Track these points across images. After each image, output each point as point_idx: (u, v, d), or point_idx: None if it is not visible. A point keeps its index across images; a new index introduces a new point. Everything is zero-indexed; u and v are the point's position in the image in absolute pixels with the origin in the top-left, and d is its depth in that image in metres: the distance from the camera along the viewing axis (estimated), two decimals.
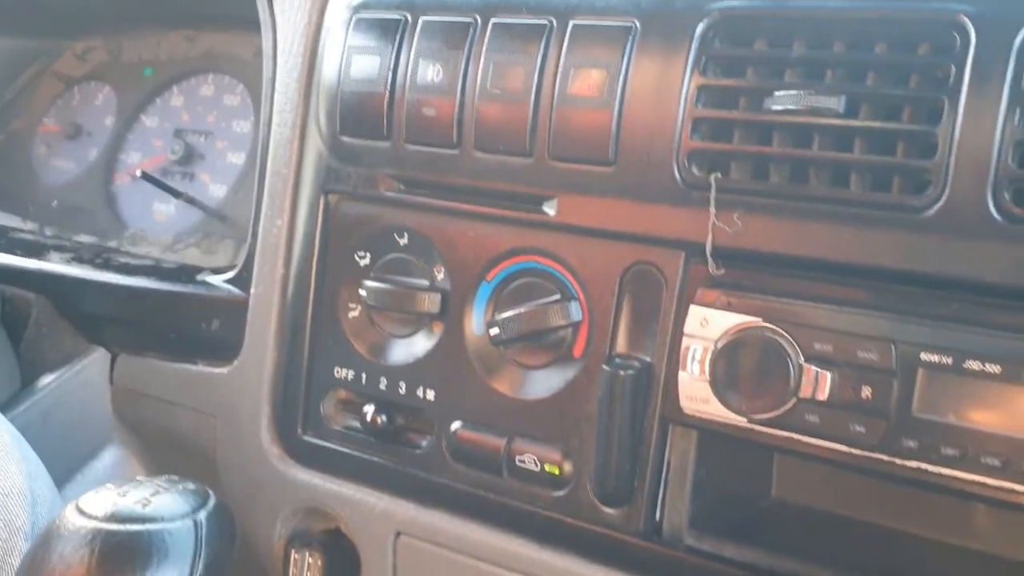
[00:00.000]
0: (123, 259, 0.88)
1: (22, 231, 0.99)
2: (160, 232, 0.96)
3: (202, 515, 0.47)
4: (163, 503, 0.46)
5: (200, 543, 0.46)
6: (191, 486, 0.49)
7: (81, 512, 0.45)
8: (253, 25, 0.82)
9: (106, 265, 0.86)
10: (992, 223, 0.49)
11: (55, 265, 0.87)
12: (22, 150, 1.17)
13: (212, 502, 0.48)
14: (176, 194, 0.97)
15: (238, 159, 1.03)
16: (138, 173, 0.99)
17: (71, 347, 0.86)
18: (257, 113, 1.04)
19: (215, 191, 1.03)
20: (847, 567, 0.58)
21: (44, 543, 0.45)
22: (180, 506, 0.46)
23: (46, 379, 0.84)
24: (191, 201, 0.98)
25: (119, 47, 1.16)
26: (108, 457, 0.86)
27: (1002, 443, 0.50)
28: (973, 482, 0.50)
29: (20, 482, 0.64)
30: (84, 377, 0.85)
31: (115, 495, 0.46)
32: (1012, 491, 0.49)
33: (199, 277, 0.81)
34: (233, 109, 1.07)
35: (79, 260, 0.88)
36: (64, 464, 0.84)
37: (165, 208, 1.04)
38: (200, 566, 0.45)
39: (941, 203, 0.51)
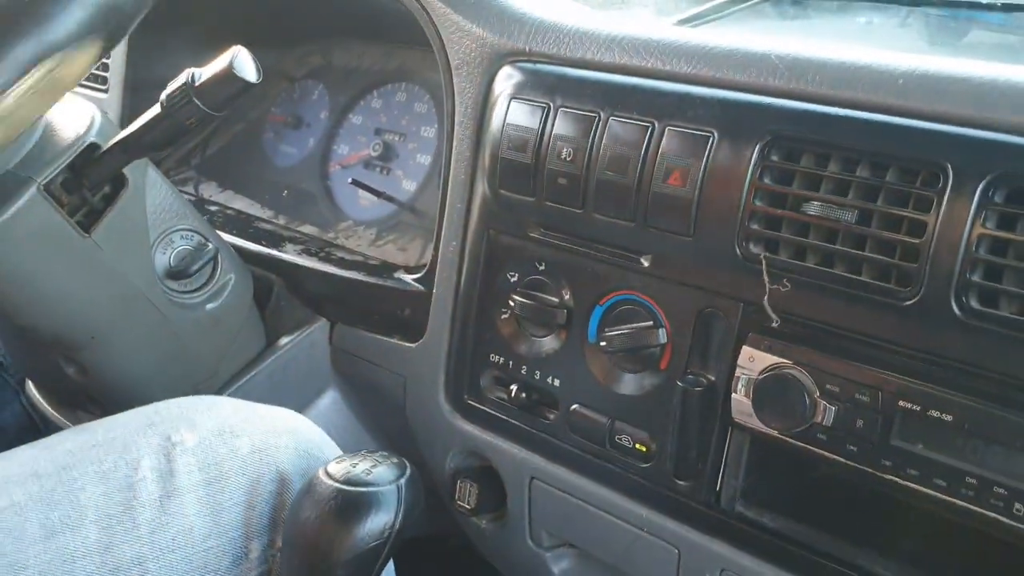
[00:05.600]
0: (340, 254, 1.15)
1: (263, 219, 1.29)
2: (366, 226, 1.23)
3: (402, 481, 0.73)
4: (379, 472, 0.72)
5: (401, 501, 0.72)
6: (395, 460, 0.75)
7: (329, 476, 0.73)
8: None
9: (327, 259, 1.14)
10: (952, 315, 0.68)
11: (290, 256, 1.16)
12: (256, 135, 1.46)
13: (408, 472, 0.75)
14: (379, 195, 1.24)
15: (425, 160, 1.27)
16: (349, 180, 1.27)
17: (301, 316, 1.15)
18: (440, 121, 1.27)
19: (407, 186, 1.28)
20: (865, 539, 0.79)
21: (305, 493, 0.73)
22: (389, 475, 0.73)
23: (284, 340, 1.14)
24: (390, 199, 1.24)
25: (331, 54, 1.42)
26: (328, 398, 1.16)
27: (950, 470, 0.70)
28: (929, 496, 0.71)
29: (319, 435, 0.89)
30: (311, 339, 1.14)
31: (349, 465, 0.73)
32: (954, 505, 0.70)
33: (396, 275, 1.08)
34: (421, 116, 1.30)
35: (307, 252, 1.16)
36: (297, 400, 1.14)
37: (368, 195, 1.30)
38: (400, 515, 0.72)
39: (919, 296, 0.70)
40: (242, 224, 1.25)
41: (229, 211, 1.31)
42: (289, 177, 1.39)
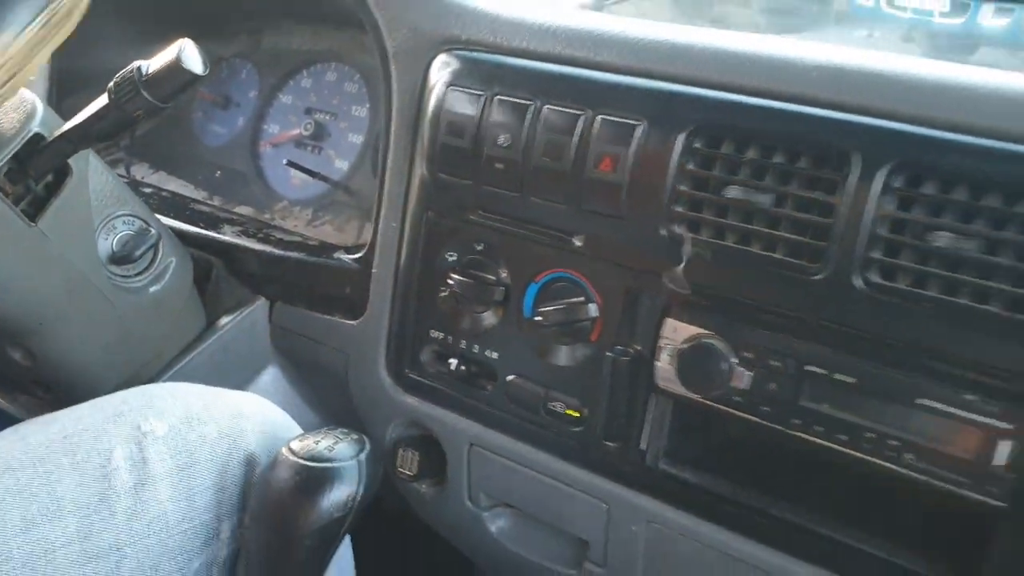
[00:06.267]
0: (278, 234, 1.18)
1: (199, 202, 1.30)
2: (301, 206, 1.26)
3: (363, 456, 0.78)
4: (341, 449, 0.77)
5: (361, 474, 0.77)
6: (355, 436, 0.79)
7: (293, 452, 0.77)
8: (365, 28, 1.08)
9: (266, 239, 1.17)
10: (857, 288, 0.76)
11: (229, 237, 1.18)
12: (185, 115, 1.47)
13: (368, 448, 0.79)
14: (313, 175, 1.27)
15: (357, 139, 1.30)
16: (284, 161, 1.29)
17: (240, 296, 1.17)
18: (372, 101, 1.30)
19: (339, 164, 1.31)
20: (776, 489, 0.87)
21: (271, 469, 0.77)
22: (350, 451, 0.77)
23: (224, 320, 1.16)
24: (324, 179, 1.27)
25: (260, 34, 1.43)
26: (268, 375, 1.20)
27: (852, 427, 0.78)
28: (833, 450, 0.79)
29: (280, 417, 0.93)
30: (251, 319, 1.17)
31: (312, 442, 0.78)
32: (854, 457, 0.78)
33: (335, 255, 1.12)
34: (352, 95, 1.33)
35: (246, 233, 1.19)
36: (238, 378, 1.18)
37: (301, 175, 1.33)
38: (361, 488, 0.77)
39: (828, 272, 0.78)
40: (178, 206, 1.27)
41: (164, 193, 1.32)
42: (220, 157, 1.40)
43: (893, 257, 0.75)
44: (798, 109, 0.80)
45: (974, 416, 0.74)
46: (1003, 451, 0.73)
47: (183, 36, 0.87)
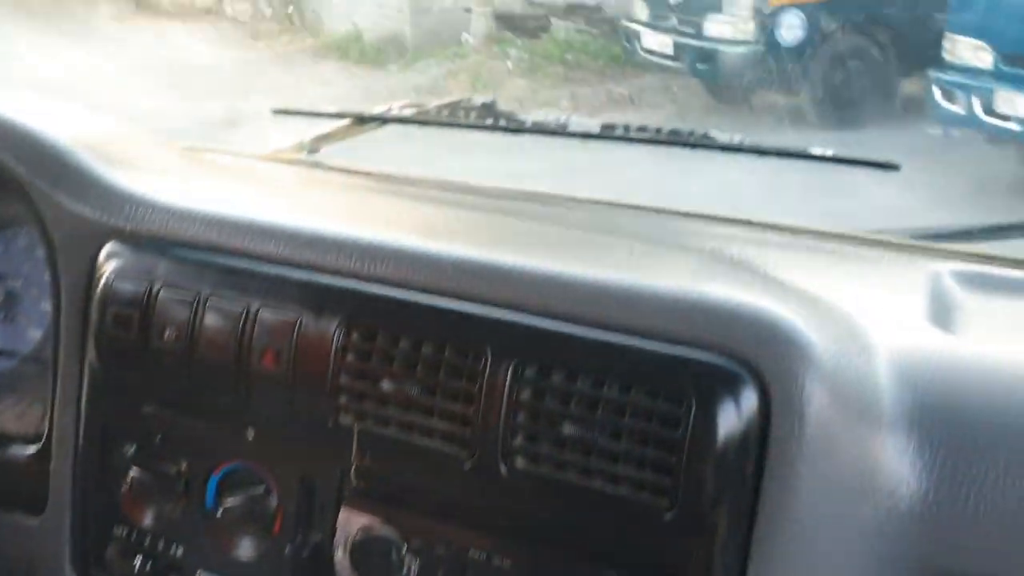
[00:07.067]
0: None
1: None
2: None
3: None
4: None
5: None
6: None
7: None
8: None
9: None
10: (503, 474, 0.79)
11: None
12: None
13: None
14: None
15: (49, 306, 1.25)
16: None
17: None
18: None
19: (32, 334, 1.25)
20: None
21: None
22: None
23: None
24: (12, 355, 1.20)
25: None
26: None
27: None
28: None
29: None
30: None
31: None
32: None
33: (12, 448, 1.05)
34: (43, 261, 1.28)
35: None
36: None
37: None
38: None
39: (475, 459, 0.80)
40: None
41: None
42: None
43: (533, 444, 0.79)
44: (438, 303, 0.84)
45: None
46: None
47: None
